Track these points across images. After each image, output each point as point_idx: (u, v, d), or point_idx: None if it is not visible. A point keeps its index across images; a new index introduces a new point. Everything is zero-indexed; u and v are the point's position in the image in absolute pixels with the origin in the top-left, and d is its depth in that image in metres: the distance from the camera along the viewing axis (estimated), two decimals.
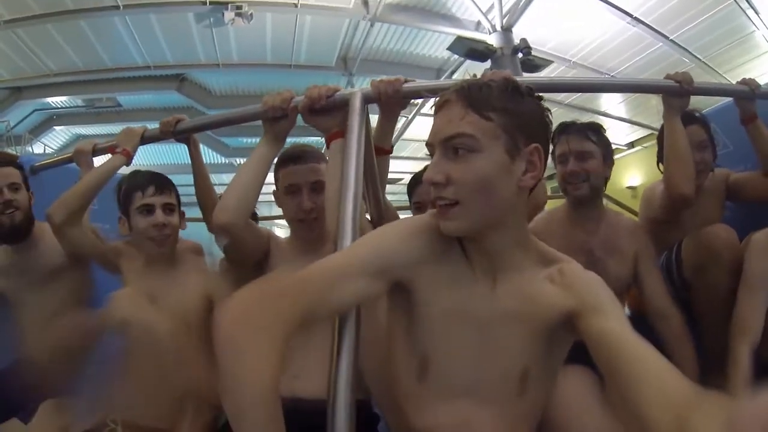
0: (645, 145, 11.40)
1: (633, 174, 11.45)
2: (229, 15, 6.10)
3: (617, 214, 2.12)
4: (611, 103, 10.01)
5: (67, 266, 2.07)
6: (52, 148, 10.49)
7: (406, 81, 1.59)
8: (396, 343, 1.08)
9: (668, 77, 1.85)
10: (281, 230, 7.04)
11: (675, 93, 1.85)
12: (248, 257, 1.72)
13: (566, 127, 1.94)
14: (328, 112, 1.55)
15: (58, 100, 8.97)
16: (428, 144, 0.99)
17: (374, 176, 1.63)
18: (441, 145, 0.95)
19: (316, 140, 10.20)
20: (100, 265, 1.96)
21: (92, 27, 6.42)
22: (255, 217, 2.61)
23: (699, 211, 2.03)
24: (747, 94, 1.98)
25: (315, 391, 1.38)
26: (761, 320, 1.64)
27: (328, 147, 1.55)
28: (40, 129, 9.72)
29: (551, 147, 1.74)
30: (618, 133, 11.56)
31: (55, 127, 9.70)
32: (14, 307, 2.04)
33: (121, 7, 5.90)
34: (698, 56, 8.07)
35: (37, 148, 9.77)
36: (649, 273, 1.89)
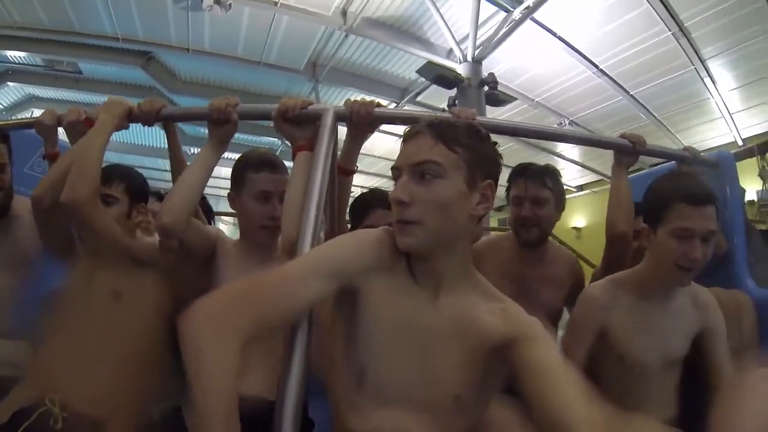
0: (594, 189, 11.84)
1: (579, 216, 11.86)
2: (207, 1, 5.99)
3: (559, 248, 2.23)
4: (567, 145, 10.25)
5: (37, 250, 1.96)
6: (3, 105, 10.01)
7: (378, 105, 1.64)
8: (338, 350, 1.14)
9: (623, 136, 1.97)
10: (226, 226, 6.95)
11: (626, 151, 1.97)
12: (191, 255, 1.73)
13: (525, 170, 2.04)
14: (299, 123, 1.60)
15: (16, 55, 8.59)
16: (396, 168, 1.10)
17: (333, 192, 1.67)
18: (410, 169, 1.06)
19: (272, 141, 10.21)
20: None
21: None
22: (211, 213, 2.58)
23: None
24: (688, 159, 2.13)
25: (251, 389, 1.43)
26: (581, 361, 1.68)
27: (293, 157, 1.59)
28: None
29: (507, 186, 2.00)
30: (570, 176, 11.90)
31: (8, 83, 9.22)
32: None
33: None
34: (654, 114, 8.45)
35: None
36: None
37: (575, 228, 11.77)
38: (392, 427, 1.04)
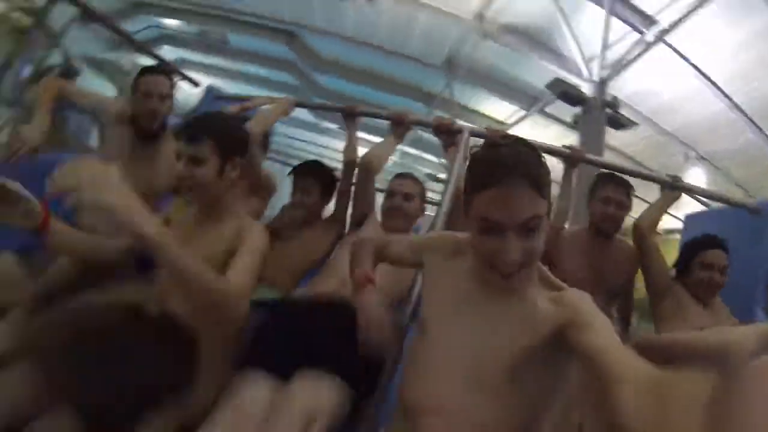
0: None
1: None
2: None
3: (621, 241, 2.61)
4: None
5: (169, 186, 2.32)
6: None
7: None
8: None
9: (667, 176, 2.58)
10: None
11: (668, 186, 2.57)
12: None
13: (613, 176, 2.52)
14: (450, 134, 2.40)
15: (171, 23, 9.45)
16: (497, 222, 1.04)
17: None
18: (517, 227, 1.03)
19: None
20: None
21: None
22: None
23: None
24: (732, 202, 2.83)
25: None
26: None
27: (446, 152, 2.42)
28: (149, 45, 10.02)
29: (593, 186, 2.58)
30: None
31: (164, 46, 10.10)
32: None
33: None
34: None
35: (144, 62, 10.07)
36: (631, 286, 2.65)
37: None
38: (438, 395, 1.12)
